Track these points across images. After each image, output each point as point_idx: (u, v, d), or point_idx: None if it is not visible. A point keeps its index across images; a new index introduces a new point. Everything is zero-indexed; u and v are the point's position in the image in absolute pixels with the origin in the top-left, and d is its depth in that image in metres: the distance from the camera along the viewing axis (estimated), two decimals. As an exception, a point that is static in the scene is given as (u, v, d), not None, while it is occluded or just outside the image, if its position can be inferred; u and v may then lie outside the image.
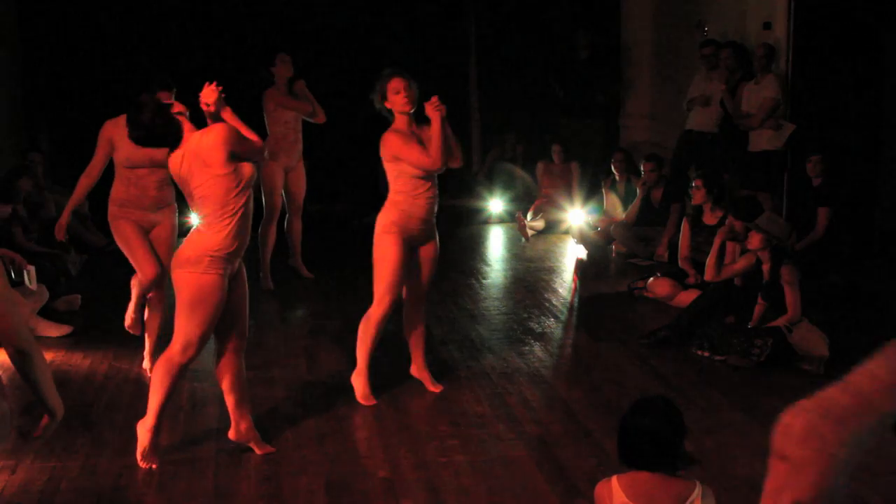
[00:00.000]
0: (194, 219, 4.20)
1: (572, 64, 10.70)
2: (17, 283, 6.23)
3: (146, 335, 5.50)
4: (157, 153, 5.29)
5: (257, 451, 4.32)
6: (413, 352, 5.19)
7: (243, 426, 4.32)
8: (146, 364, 5.51)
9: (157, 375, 4.16)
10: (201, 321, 4.03)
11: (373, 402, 4.95)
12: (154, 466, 4.16)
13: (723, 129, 8.51)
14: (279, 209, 7.50)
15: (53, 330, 6.21)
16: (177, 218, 5.50)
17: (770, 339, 5.40)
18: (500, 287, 7.68)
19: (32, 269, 6.35)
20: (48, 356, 5.74)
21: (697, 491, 2.76)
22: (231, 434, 4.34)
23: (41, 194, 8.47)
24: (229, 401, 4.29)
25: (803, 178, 7.58)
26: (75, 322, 6.42)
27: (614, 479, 2.80)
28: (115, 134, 5.32)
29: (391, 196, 4.95)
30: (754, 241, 5.65)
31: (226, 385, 4.26)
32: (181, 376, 4.21)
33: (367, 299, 7.05)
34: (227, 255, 4.03)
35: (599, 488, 2.82)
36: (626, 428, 2.79)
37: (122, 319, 6.47)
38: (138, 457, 4.18)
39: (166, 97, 5.26)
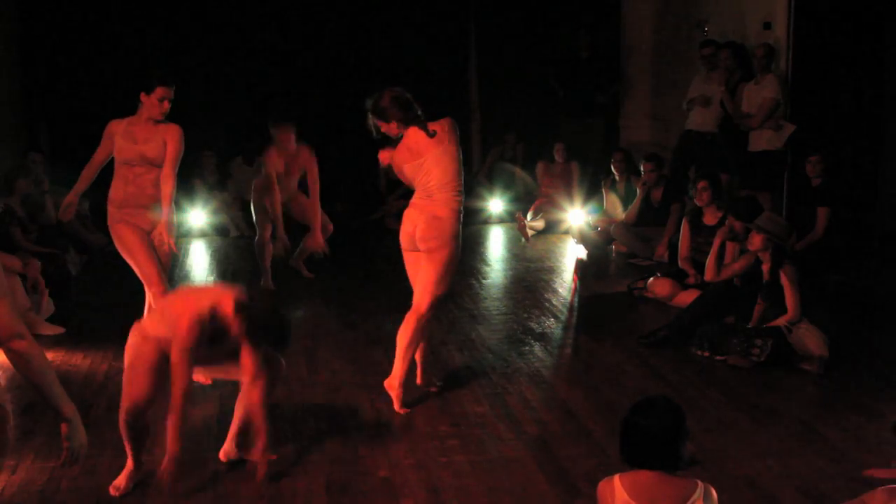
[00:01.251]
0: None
1: (572, 64, 10.70)
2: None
3: None
4: (150, 151, 5.29)
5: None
6: (423, 360, 5.12)
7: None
8: None
9: None
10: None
11: (407, 409, 4.87)
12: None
13: (723, 129, 8.51)
14: (269, 229, 7.42)
15: (47, 329, 6.23)
16: (175, 217, 5.47)
17: (770, 339, 5.40)
18: (500, 287, 7.68)
19: (49, 302, 6.41)
20: (47, 356, 5.73)
21: (699, 491, 2.76)
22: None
23: (42, 195, 8.46)
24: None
25: (803, 178, 7.58)
26: (75, 322, 6.42)
27: (616, 477, 2.81)
28: (117, 131, 5.33)
29: (458, 194, 4.75)
30: (755, 241, 5.65)
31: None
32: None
33: (367, 299, 7.10)
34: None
35: (602, 487, 2.83)
36: (628, 427, 2.80)
37: (122, 319, 6.47)
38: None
39: (165, 92, 5.26)
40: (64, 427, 2.92)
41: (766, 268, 5.67)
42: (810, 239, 7.30)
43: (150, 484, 4.05)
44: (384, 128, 4.83)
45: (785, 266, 5.53)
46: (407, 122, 4.76)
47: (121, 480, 4.01)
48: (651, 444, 2.75)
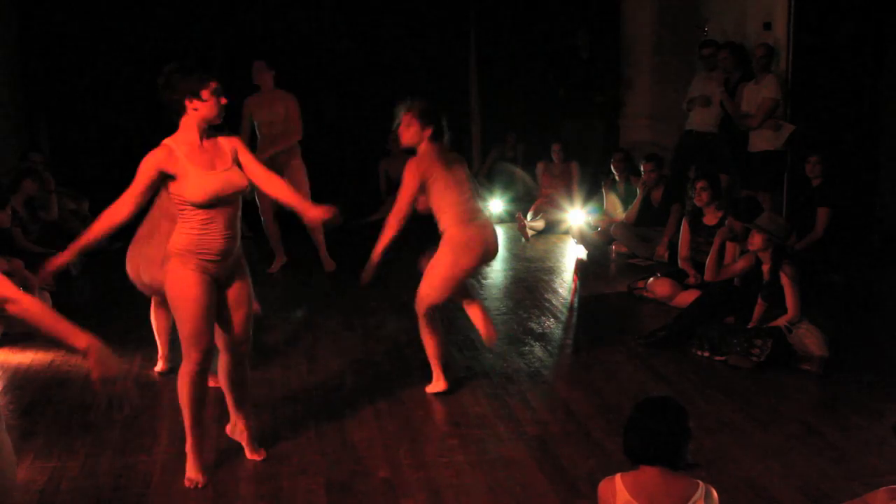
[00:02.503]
0: None
1: (572, 64, 10.70)
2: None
3: (157, 338, 5.44)
4: None
5: (247, 455, 4.30)
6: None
7: (239, 425, 4.32)
8: (159, 367, 5.48)
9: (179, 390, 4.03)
10: (184, 319, 3.88)
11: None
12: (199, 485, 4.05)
13: (723, 129, 8.51)
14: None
15: None
16: None
17: (770, 339, 5.40)
18: (500, 287, 7.68)
19: (46, 296, 6.39)
20: (48, 356, 5.74)
21: (700, 491, 2.76)
22: (227, 429, 4.39)
23: (47, 194, 8.45)
24: (228, 400, 4.29)
25: (803, 178, 7.58)
26: (72, 321, 6.40)
27: (618, 477, 2.80)
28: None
29: None
30: (756, 241, 5.65)
31: (224, 386, 4.26)
32: (197, 385, 4.00)
33: (367, 299, 7.09)
34: (196, 252, 3.87)
35: (603, 487, 2.82)
36: (634, 425, 2.79)
37: (122, 320, 6.48)
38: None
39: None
40: (90, 357, 2.86)
41: (766, 268, 5.67)
42: (810, 239, 7.30)
43: (150, 484, 4.05)
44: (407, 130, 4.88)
45: (785, 266, 5.53)
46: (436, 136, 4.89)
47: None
48: (656, 443, 2.74)
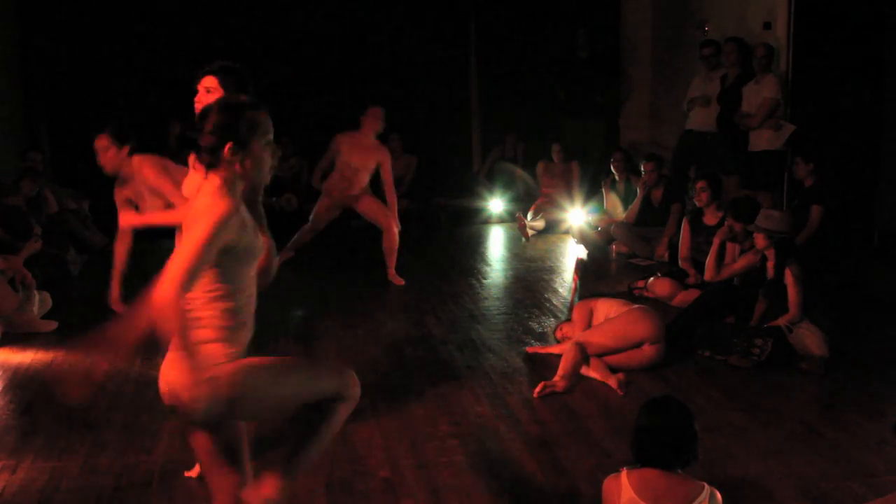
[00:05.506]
0: None
1: (572, 64, 10.70)
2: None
3: None
4: None
5: None
6: None
7: None
8: None
9: None
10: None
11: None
12: None
13: (723, 128, 8.51)
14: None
15: (42, 326, 6.23)
16: None
17: (770, 339, 5.40)
18: (500, 287, 7.68)
19: (46, 296, 6.36)
20: (48, 356, 5.75)
21: (705, 493, 2.76)
22: None
23: (41, 188, 8.46)
24: None
25: (801, 179, 7.58)
26: (75, 322, 6.41)
27: (624, 474, 2.80)
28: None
29: None
30: (759, 240, 5.65)
31: None
32: None
33: (367, 299, 7.10)
34: None
35: (608, 483, 2.82)
36: (644, 428, 2.79)
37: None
38: None
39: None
40: None
41: (770, 265, 5.66)
42: (806, 233, 7.28)
43: (150, 484, 4.06)
44: None
45: (790, 264, 5.53)
46: None
47: None
48: (666, 443, 2.74)
